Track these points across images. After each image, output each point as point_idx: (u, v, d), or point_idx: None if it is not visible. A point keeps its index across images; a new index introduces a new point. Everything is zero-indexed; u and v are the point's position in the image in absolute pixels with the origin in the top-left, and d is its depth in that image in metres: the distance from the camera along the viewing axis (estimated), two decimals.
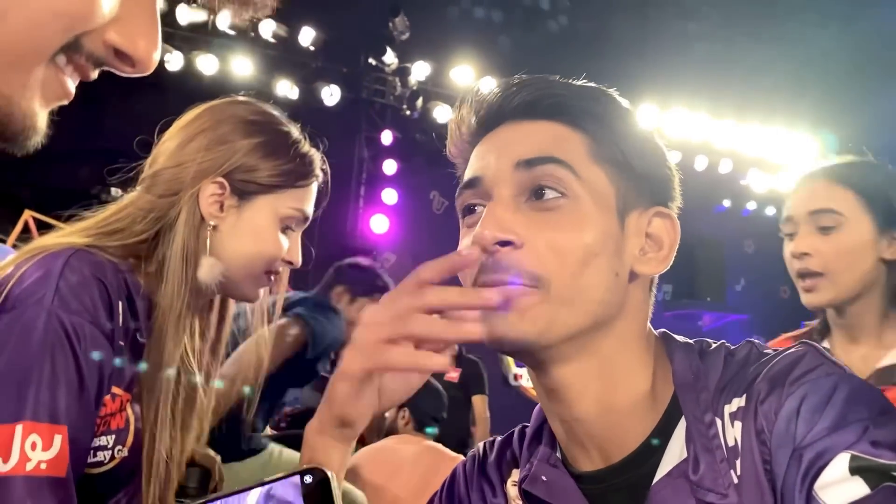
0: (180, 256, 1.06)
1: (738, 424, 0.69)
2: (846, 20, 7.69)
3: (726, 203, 8.92)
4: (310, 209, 1.20)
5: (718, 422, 0.70)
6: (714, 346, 0.77)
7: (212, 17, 6.36)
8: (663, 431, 0.74)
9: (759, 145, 8.79)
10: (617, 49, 7.81)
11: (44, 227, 4.64)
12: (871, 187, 1.46)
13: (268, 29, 7.16)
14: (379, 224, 7.68)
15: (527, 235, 0.72)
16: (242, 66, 7.08)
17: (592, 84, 0.83)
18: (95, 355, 0.93)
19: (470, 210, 0.82)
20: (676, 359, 0.76)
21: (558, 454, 0.82)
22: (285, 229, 1.16)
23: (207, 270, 1.07)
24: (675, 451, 0.72)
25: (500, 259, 0.72)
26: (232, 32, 7.09)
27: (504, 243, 0.72)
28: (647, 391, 0.75)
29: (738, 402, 0.70)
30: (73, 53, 0.48)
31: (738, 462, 0.67)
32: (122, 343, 0.99)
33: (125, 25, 0.49)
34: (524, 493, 0.82)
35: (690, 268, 8.13)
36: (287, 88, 7.28)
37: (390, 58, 7.67)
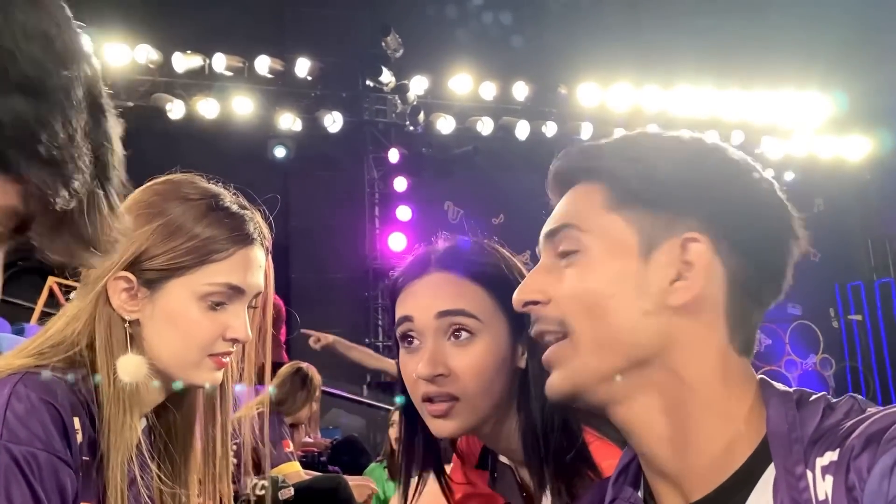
0: (104, 359, 1.01)
1: (829, 478, 0.68)
2: None
3: None
4: (240, 280, 1.06)
5: (809, 475, 0.69)
6: (814, 397, 0.75)
7: (207, 61, 6.31)
8: (747, 477, 0.73)
9: (768, 112, 8.69)
10: (613, 36, 7.79)
11: (69, 292, 4.68)
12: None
13: (263, 65, 7.22)
14: (396, 242, 7.67)
15: (552, 292, 0.79)
16: (243, 105, 7.13)
17: (620, 136, 0.86)
18: (53, 482, 0.90)
19: None
20: (772, 405, 0.74)
21: (640, 493, 0.81)
22: (217, 306, 1.06)
23: (127, 370, 1.01)
24: (761, 500, 0.71)
25: (535, 314, 0.81)
26: (229, 73, 7.15)
27: (533, 303, 0.80)
28: (730, 434, 0.74)
29: (830, 456, 0.69)
30: None
31: None
32: (86, 458, 0.97)
33: None
34: None
35: None
36: (289, 121, 7.32)
37: (387, 77, 7.70)
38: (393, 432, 3.91)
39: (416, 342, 1.06)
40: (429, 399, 1.03)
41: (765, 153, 8.66)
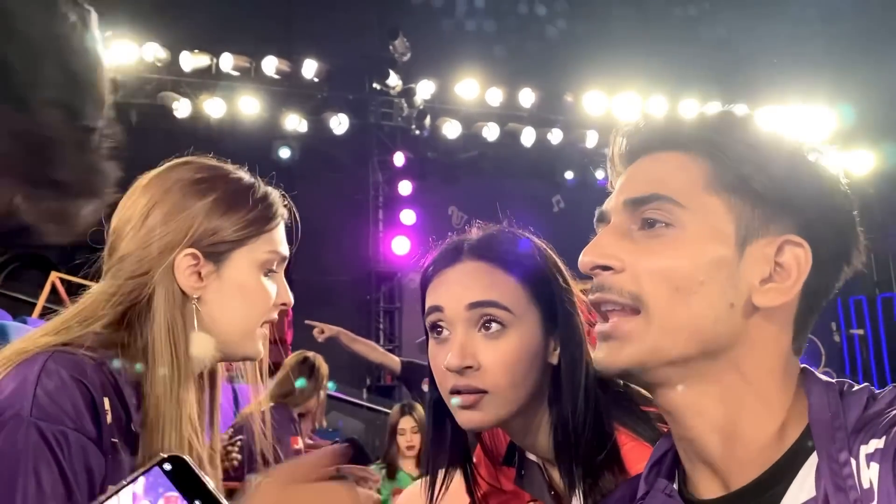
0: (166, 338, 1.02)
1: (874, 466, 0.67)
2: None
3: None
4: (285, 249, 1.14)
5: (853, 462, 0.68)
6: (857, 387, 0.74)
7: (214, 60, 6.26)
8: (789, 465, 0.72)
9: (774, 125, 8.66)
10: (620, 45, 7.78)
11: (71, 287, 4.68)
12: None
13: (271, 66, 7.23)
14: (400, 245, 7.67)
15: (629, 261, 0.74)
16: (249, 105, 7.14)
17: (726, 111, 0.81)
18: (82, 462, 0.90)
19: None
20: (814, 394, 0.73)
21: (675, 485, 0.80)
22: (267, 274, 1.12)
23: (201, 346, 1.04)
24: (803, 488, 0.70)
25: (601, 281, 0.75)
26: (236, 73, 7.16)
27: (604, 268, 0.74)
28: (776, 426, 0.73)
29: (875, 444, 0.68)
30: None
31: None
32: (114, 440, 0.96)
33: None
34: None
35: None
36: (295, 122, 7.33)
37: (394, 80, 7.71)
38: (403, 442, 3.89)
39: (445, 332, 1.04)
40: (457, 391, 1.02)
41: None
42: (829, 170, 0.77)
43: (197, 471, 0.58)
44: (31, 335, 1.01)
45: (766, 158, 0.75)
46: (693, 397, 0.73)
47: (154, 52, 6.80)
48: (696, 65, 7.79)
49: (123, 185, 1.18)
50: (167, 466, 0.58)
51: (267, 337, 1.13)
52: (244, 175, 1.14)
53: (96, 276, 1.09)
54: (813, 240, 0.74)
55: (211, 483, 0.58)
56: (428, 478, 1.13)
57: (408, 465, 3.94)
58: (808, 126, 8.79)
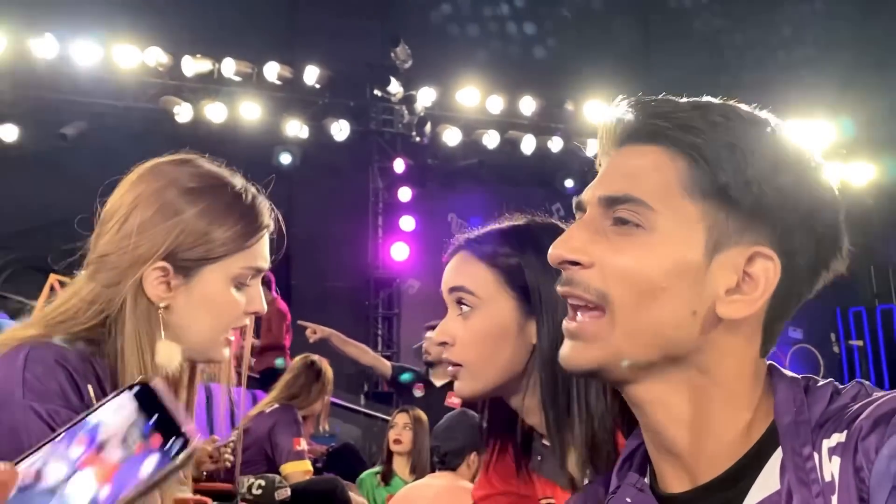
0: (134, 345, 1.05)
1: (836, 460, 0.68)
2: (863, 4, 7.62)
3: None
4: (263, 262, 1.15)
5: (816, 456, 0.69)
6: (821, 382, 0.74)
7: (216, 65, 6.30)
8: (755, 460, 0.72)
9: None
10: (622, 55, 7.82)
11: None
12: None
13: (272, 71, 7.25)
14: (399, 252, 7.68)
15: (599, 257, 0.73)
16: (250, 110, 7.15)
17: (712, 104, 0.78)
18: None
19: None
20: (780, 390, 0.74)
21: (646, 479, 0.80)
22: (240, 287, 1.12)
23: (165, 355, 1.06)
24: (768, 482, 0.71)
25: (569, 276, 0.75)
26: (238, 79, 7.18)
27: (572, 262, 0.74)
28: (743, 422, 0.74)
29: (837, 438, 0.69)
30: None
31: (833, 497, 0.67)
32: None
33: None
34: None
35: None
36: (297, 128, 7.35)
37: (395, 87, 7.73)
38: (392, 434, 3.92)
39: None
40: (448, 364, 1.15)
41: None
42: (816, 175, 0.75)
43: (160, 392, 0.60)
44: (14, 328, 1.06)
45: (746, 163, 0.72)
46: (659, 393, 0.74)
47: (156, 56, 6.82)
48: (697, 76, 7.81)
49: None
50: (136, 389, 0.60)
51: (232, 341, 1.15)
52: (236, 184, 1.14)
53: None
54: (790, 248, 0.72)
55: (175, 407, 0.60)
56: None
57: (402, 471, 3.95)
58: (809, 139, 8.79)
